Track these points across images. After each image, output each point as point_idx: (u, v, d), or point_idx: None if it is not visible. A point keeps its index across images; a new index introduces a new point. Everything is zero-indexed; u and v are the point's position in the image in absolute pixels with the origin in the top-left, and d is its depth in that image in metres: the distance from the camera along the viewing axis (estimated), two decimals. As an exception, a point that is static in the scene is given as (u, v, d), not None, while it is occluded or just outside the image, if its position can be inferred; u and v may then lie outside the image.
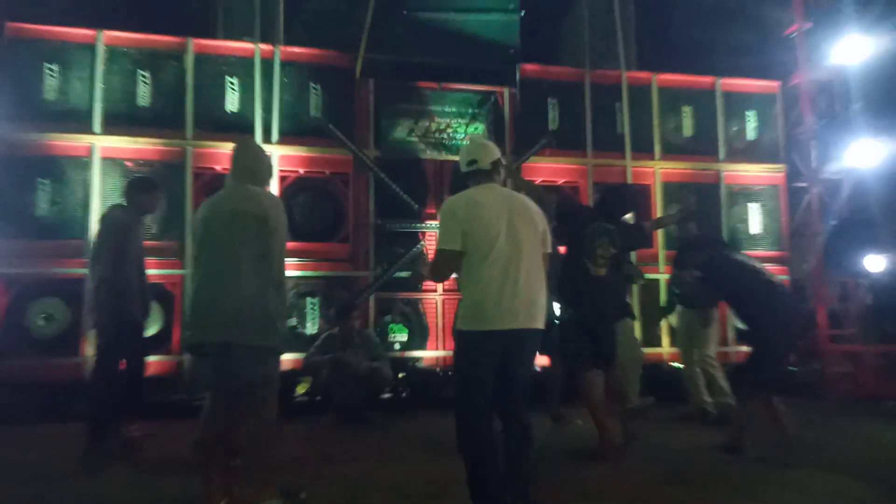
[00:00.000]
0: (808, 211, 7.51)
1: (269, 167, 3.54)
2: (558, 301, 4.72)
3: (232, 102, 6.11)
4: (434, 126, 6.56)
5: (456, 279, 3.10)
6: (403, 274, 6.18)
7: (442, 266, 3.05)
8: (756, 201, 7.18)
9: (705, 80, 7.24)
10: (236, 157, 3.40)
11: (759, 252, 6.99)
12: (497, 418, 3.02)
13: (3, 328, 5.47)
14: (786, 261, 7.08)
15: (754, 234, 7.11)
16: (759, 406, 4.24)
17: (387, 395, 6.15)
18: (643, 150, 6.92)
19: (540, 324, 3.02)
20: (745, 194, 7.17)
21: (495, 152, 3.18)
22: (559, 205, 4.94)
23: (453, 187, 6.61)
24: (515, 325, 2.91)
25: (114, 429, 4.35)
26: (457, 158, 6.47)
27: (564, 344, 4.51)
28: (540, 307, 3.02)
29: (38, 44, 5.76)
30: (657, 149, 6.98)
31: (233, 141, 5.87)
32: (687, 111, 7.11)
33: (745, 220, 7.12)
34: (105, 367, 4.32)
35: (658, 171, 6.94)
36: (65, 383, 5.47)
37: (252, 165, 3.38)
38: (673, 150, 7.05)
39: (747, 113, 7.27)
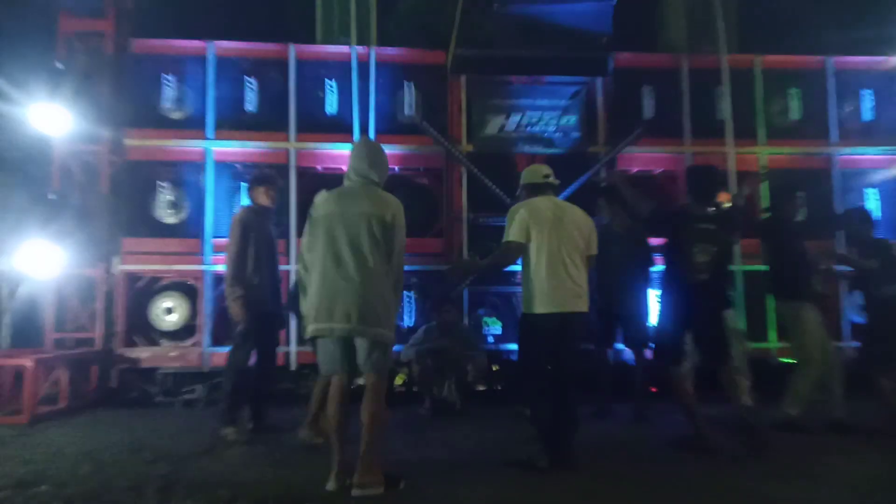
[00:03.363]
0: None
1: (387, 165, 3.67)
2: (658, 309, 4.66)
3: (331, 104, 6.36)
4: (526, 120, 6.55)
5: (521, 273, 3.83)
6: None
7: (508, 255, 3.82)
8: (873, 186, 6.70)
9: (814, 59, 6.81)
10: (357, 156, 3.55)
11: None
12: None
13: (128, 320, 5.99)
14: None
15: (872, 221, 6.63)
16: None
17: (481, 388, 6.24)
18: (746, 135, 6.58)
19: (585, 307, 3.80)
20: (860, 178, 6.70)
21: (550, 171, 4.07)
22: (652, 213, 4.62)
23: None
24: (566, 308, 3.70)
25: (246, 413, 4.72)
26: (550, 151, 6.52)
27: (660, 343, 4.53)
28: (583, 296, 3.79)
29: (158, 57, 6.22)
30: (761, 133, 6.64)
31: (332, 141, 6.27)
32: (794, 93, 6.71)
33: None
34: (236, 356, 4.67)
35: (763, 157, 6.61)
36: (186, 371, 5.95)
37: (372, 165, 3.52)
38: (779, 135, 6.68)
39: (862, 92, 6.78)
